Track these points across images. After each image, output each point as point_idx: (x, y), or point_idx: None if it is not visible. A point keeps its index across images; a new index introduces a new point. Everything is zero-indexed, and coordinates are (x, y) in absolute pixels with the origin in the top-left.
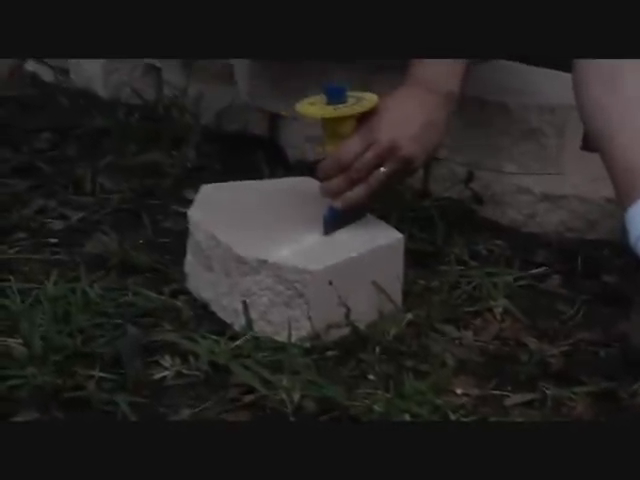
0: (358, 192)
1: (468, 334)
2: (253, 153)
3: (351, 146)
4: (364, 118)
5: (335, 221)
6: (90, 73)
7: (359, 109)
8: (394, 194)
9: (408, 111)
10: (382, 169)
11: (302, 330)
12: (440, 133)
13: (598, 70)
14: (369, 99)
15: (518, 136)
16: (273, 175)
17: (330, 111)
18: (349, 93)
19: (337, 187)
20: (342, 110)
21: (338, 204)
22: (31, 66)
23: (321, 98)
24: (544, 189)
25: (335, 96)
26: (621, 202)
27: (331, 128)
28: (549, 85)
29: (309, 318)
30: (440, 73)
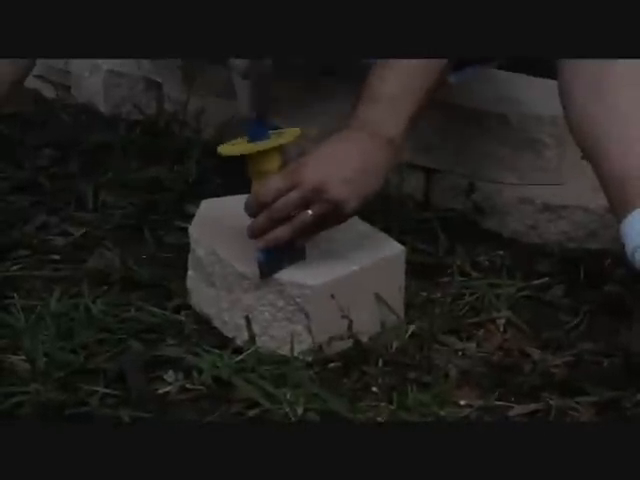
0: (280, 233)
1: (471, 345)
2: None
3: (272, 183)
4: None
5: (270, 263)
6: (91, 89)
7: (277, 142)
8: (395, 206)
9: (343, 153)
10: (309, 212)
11: (304, 344)
12: (377, 179)
13: (583, 77)
14: (291, 132)
15: (518, 147)
16: None
17: (249, 147)
18: (272, 131)
19: (259, 226)
20: (261, 145)
21: (259, 244)
22: (32, 83)
23: (243, 140)
24: (545, 199)
25: (255, 133)
26: (614, 214)
27: (254, 166)
28: (548, 95)
29: (310, 332)
30: (386, 117)
